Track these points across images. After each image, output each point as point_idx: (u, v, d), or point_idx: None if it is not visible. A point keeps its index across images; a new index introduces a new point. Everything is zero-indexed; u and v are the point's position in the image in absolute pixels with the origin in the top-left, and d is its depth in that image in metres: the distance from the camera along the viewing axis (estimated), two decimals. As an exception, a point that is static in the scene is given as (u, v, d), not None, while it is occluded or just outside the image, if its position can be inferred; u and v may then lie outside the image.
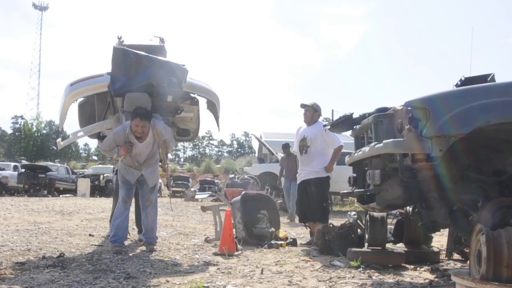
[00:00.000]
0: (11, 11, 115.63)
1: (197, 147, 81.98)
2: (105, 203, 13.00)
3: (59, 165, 25.55)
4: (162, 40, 6.48)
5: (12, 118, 61.46)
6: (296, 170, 7.59)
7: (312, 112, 6.59)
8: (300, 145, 6.60)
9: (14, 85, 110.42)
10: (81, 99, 6.33)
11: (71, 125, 7.12)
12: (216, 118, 6.68)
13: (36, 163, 27.99)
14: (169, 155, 7.80)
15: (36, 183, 21.31)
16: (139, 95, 5.58)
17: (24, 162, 27.94)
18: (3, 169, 22.19)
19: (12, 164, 24.27)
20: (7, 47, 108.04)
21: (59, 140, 6.36)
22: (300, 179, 6.71)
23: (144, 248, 5.64)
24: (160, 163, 5.96)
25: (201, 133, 7.78)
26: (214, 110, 6.60)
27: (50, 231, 6.88)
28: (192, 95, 6.40)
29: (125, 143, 5.40)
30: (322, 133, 6.39)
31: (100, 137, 6.68)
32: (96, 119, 6.44)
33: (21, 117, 61.14)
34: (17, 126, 60.32)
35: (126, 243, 5.86)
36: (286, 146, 11.71)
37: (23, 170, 21.95)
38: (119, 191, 5.70)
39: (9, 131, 61.20)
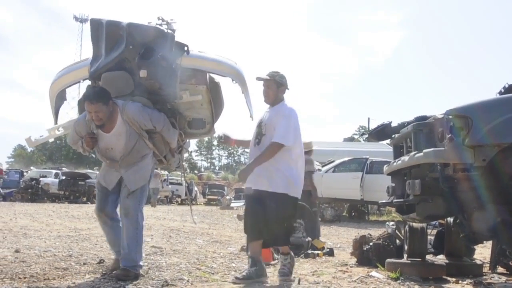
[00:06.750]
0: (53, 23, 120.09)
1: (232, 155, 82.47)
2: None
3: (97, 172, 26.07)
4: (168, 23, 4.60)
5: (54, 127, 63.24)
6: None
7: (275, 88, 4.38)
8: (256, 132, 4.48)
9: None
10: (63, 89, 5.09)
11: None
12: (246, 102, 4.88)
13: (76, 171, 28.69)
14: (186, 154, 5.99)
15: (76, 190, 21.94)
16: (116, 74, 4.32)
17: (65, 169, 28.66)
18: (45, 176, 22.88)
19: (54, 171, 24.98)
20: (49, 58, 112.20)
21: (29, 137, 4.86)
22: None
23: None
24: (160, 163, 4.65)
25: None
26: (243, 91, 4.83)
27: (90, 237, 7.04)
28: (196, 71, 4.64)
29: (87, 134, 4.22)
30: (278, 117, 4.27)
31: None
32: None
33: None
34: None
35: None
36: None
37: (63, 177, 22.59)
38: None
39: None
